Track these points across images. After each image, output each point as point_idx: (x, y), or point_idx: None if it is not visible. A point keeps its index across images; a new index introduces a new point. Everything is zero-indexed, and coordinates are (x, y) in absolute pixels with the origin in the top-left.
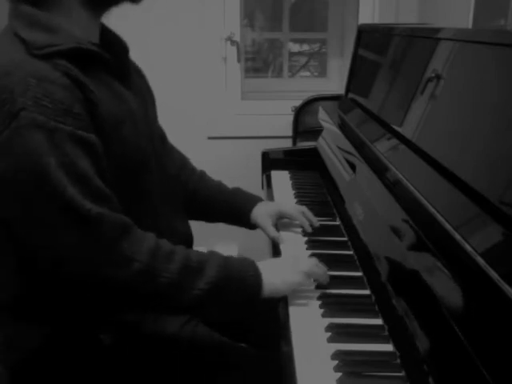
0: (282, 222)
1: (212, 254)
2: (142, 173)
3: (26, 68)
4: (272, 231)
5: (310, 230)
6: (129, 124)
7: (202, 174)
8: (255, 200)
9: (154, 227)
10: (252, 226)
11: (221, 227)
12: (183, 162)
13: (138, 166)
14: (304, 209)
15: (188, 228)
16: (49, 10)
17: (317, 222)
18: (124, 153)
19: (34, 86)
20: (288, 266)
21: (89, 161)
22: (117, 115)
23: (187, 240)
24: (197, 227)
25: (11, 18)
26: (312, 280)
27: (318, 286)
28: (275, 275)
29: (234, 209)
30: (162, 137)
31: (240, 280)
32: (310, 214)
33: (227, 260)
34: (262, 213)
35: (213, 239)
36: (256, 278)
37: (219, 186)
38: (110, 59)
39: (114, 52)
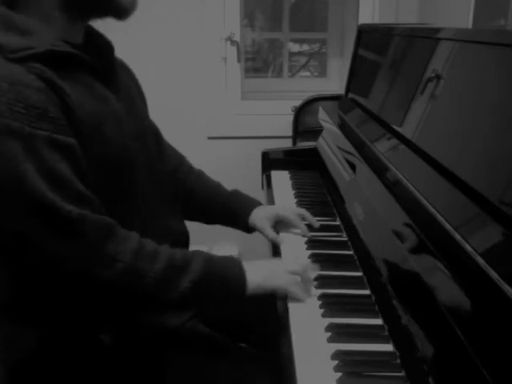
0: (282, 222)
1: (196, 252)
2: (128, 172)
3: (0, 71)
4: (270, 233)
5: (308, 234)
6: (111, 124)
7: (201, 174)
8: (254, 203)
9: (144, 226)
10: (249, 229)
11: (220, 228)
12: (180, 160)
13: (123, 165)
14: (303, 211)
15: (183, 226)
16: (25, 12)
17: (316, 223)
18: (107, 153)
19: (7, 91)
20: (273, 265)
21: (67, 164)
22: (97, 116)
23: (182, 239)
24: (196, 228)
25: None
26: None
27: (318, 286)
28: (259, 272)
29: (231, 211)
30: (155, 134)
31: (224, 277)
32: (309, 216)
33: (211, 258)
34: (260, 216)
35: (212, 240)
36: (240, 274)
37: (218, 187)
38: (91, 60)
39: (99, 53)
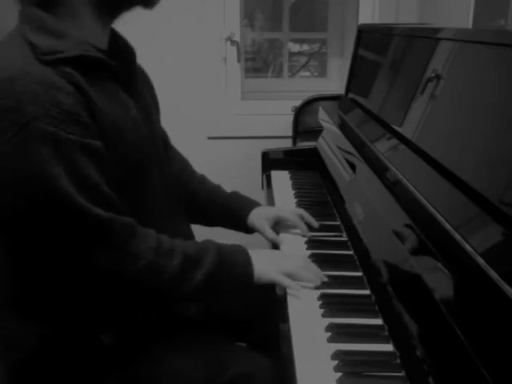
0: (281, 223)
1: (206, 243)
2: (144, 176)
3: (33, 74)
4: (270, 233)
5: (308, 234)
6: (131, 130)
7: (202, 177)
8: (253, 204)
9: (155, 229)
10: (249, 230)
11: (220, 230)
12: (184, 164)
13: (140, 169)
14: (302, 212)
15: (189, 229)
16: (57, 15)
17: (316, 223)
18: (126, 158)
19: (42, 95)
20: (277, 254)
21: (96, 168)
22: (118, 122)
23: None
24: (197, 229)
25: (21, 22)
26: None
27: (318, 286)
28: (265, 260)
29: (231, 212)
30: (164, 139)
31: (233, 266)
32: (308, 216)
33: (221, 249)
34: (259, 216)
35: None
36: (247, 263)
37: (217, 189)
38: (116, 66)
39: (122, 58)
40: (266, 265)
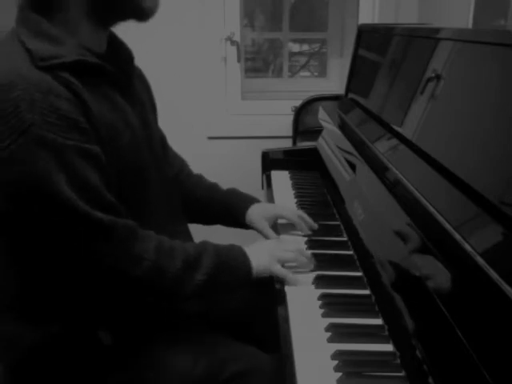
0: (281, 222)
1: (204, 244)
2: (141, 180)
3: (30, 80)
4: (270, 233)
5: (308, 233)
6: (127, 135)
7: (200, 177)
8: (251, 200)
9: (154, 231)
10: (248, 225)
11: (220, 231)
12: (181, 164)
13: (138, 174)
14: (301, 213)
15: (187, 231)
16: (54, 20)
17: (315, 225)
18: (123, 164)
19: (40, 101)
20: (272, 245)
21: (96, 172)
22: (115, 128)
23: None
24: (196, 230)
25: (18, 25)
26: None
27: (318, 286)
28: (262, 256)
29: (229, 208)
30: (162, 140)
31: (232, 266)
32: (307, 218)
33: (219, 249)
34: (258, 216)
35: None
36: (246, 261)
37: (215, 187)
38: (113, 71)
39: (119, 61)
40: (263, 260)
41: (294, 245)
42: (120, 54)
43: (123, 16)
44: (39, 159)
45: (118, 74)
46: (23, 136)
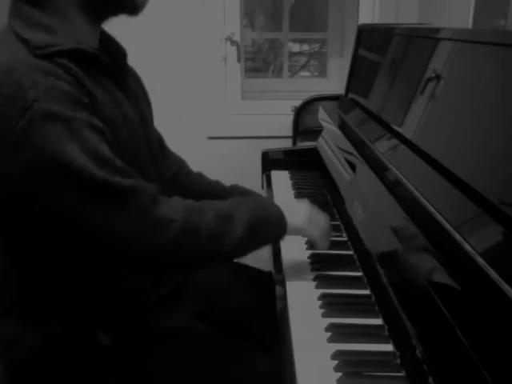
0: None
1: (236, 200)
2: (140, 176)
3: (30, 64)
4: None
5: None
6: (126, 128)
7: (200, 175)
8: (254, 196)
9: None
10: None
11: None
12: (180, 164)
13: (135, 170)
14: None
15: None
16: (47, 11)
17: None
18: (121, 157)
19: (42, 79)
20: (310, 213)
21: (106, 144)
22: (114, 119)
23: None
24: None
25: (11, 17)
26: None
27: (318, 286)
28: (297, 217)
29: None
30: (159, 140)
31: (267, 220)
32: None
33: (252, 203)
34: None
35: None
36: (280, 218)
37: (217, 184)
38: (109, 63)
39: (113, 58)
40: (297, 223)
41: (324, 226)
42: (113, 50)
43: (115, 9)
44: (49, 132)
45: (114, 67)
46: (29, 112)
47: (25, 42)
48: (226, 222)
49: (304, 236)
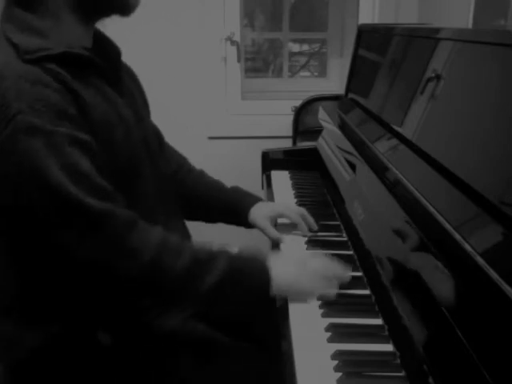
0: (281, 222)
1: (220, 251)
2: (135, 177)
3: (18, 71)
4: (273, 232)
5: (308, 234)
6: (121, 129)
7: (201, 173)
8: (254, 199)
9: None
10: (250, 224)
11: (221, 229)
12: (181, 161)
13: (131, 170)
14: (303, 211)
15: (185, 228)
16: (39, 14)
17: (315, 226)
18: (117, 158)
19: (27, 90)
20: (300, 269)
21: (87, 160)
22: (108, 120)
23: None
24: (196, 229)
25: (3, 22)
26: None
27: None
28: (284, 278)
29: (231, 206)
30: (157, 136)
31: (247, 285)
32: (308, 217)
33: (234, 259)
34: (260, 215)
35: (213, 241)
36: (265, 280)
37: (217, 184)
38: (102, 64)
39: (107, 57)
40: (288, 273)
41: (318, 274)
42: (107, 49)
43: (106, 10)
44: (29, 146)
45: (106, 67)
46: (11, 124)
47: (15, 46)
48: (201, 271)
49: (303, 293)
